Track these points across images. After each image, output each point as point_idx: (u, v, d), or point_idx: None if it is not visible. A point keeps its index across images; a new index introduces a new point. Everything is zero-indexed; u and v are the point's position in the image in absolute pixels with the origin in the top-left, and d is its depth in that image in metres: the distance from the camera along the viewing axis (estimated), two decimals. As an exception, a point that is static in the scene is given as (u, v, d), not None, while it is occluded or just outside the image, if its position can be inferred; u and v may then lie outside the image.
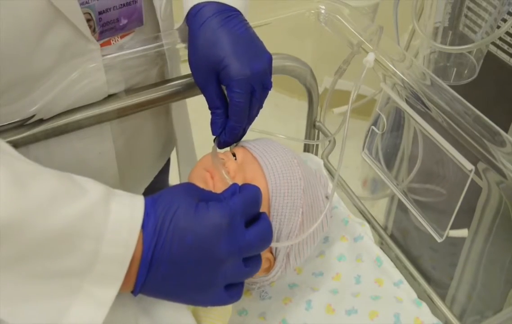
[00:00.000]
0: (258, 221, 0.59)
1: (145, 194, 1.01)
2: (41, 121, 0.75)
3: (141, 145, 0.95)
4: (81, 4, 0.70)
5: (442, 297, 0.80)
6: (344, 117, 0.77)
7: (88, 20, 0.72)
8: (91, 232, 0.51)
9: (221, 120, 0.74)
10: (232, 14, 0.73)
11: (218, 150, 0.76)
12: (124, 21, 0.77)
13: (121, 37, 0.79)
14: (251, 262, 0.59)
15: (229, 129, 0.73)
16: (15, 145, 0.73)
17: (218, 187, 0.68)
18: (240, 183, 0.67)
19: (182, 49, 0.84)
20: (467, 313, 0.97)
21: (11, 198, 0.47)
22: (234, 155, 0.75)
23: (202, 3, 0.74)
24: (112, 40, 0.78)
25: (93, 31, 0.74)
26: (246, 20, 0.75)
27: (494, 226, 0.93)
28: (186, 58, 0.76)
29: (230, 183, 0.66)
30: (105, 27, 0.75)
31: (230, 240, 0.55)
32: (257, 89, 0.72)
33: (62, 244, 0.49)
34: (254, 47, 0.73)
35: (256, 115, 0.76)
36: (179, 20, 0.83)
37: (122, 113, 0.81)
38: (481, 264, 0.97)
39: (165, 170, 1.10)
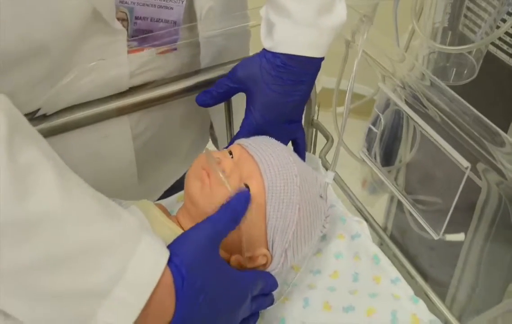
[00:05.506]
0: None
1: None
2: (45, 116, 0.74)
3: (164, 146, 0.94)
4: (120, 1, 0.70)
5: (442, 296, 0.80)
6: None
7: (122, 20, 0.72)
8: (120, 255, 0.52)
9: (209, 96, 0.82)
10: (303, 80, 0.80)
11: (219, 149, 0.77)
12: (158, 35, 0.77)
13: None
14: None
15: None
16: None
17: (215, 185, 0.69)
18: (236, 181, 0.70)
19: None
20: (466, 312, 0.97)
21: (56, 194, 0.48)
22: (230, 153, 0.75)
23: (291, 57, 0.77)
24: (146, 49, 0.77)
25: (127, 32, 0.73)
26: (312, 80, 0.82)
27: (493, 226, 0.93)
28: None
29: (225, 182, 0.68)
30: (138, 33, 0.75)
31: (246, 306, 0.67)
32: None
33: (92, 258, 0.51)
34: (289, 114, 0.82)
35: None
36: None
37: (126, 110, 0.80)
38: (480, 264, 0.96)
39: None
